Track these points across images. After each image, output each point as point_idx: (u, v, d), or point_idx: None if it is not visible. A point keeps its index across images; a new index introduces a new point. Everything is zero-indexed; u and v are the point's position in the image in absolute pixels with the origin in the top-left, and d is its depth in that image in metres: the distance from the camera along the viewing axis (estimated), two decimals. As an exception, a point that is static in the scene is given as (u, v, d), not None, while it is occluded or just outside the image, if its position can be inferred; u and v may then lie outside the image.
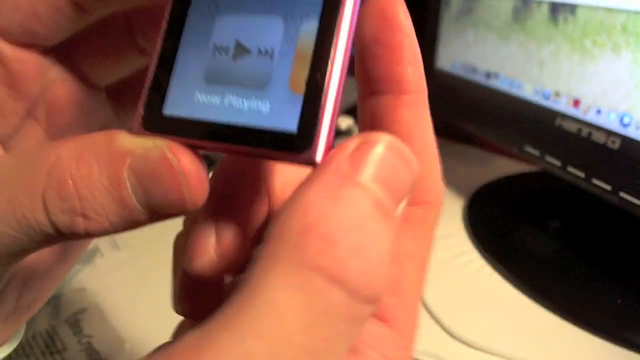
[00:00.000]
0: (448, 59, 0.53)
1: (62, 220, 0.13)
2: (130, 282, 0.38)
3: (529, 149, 0.42)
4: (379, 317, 0.14)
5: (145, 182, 0.12)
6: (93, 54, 0.18)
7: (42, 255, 0.19)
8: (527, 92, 0.43)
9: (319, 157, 0.11)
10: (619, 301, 0.37)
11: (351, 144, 0.11)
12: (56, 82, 0.17)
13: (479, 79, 0.48)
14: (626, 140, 0.34)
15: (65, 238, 0.13)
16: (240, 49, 0.12)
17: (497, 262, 0.42)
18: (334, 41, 0.11)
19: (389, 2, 0.13)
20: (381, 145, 0.11)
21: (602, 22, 0.35)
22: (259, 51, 0.12)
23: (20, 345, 0.33)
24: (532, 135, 0.42)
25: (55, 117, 0.17)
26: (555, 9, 0.39)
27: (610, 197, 0.35)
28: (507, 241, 0.45)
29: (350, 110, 0.58)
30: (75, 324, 0.35)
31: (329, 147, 0.11)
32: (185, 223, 0.18)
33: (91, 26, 0.17)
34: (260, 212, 0.16)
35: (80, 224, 0.13)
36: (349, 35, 0.11)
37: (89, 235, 0.13)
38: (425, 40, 0.56)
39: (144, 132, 0.13)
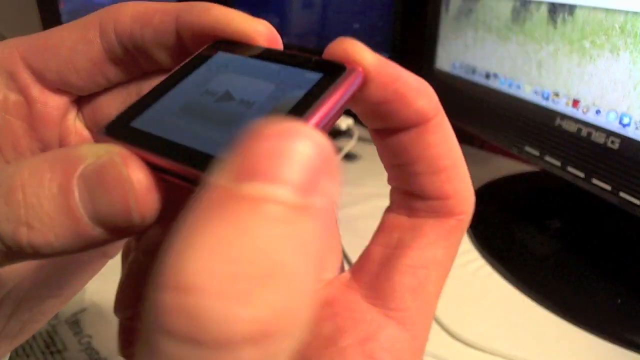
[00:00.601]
0: (448, 59, 0.53)
1: (5, 229, 0.12)
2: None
3: (529, 149, 0.42)
4: (399, 320, 0.14)
5: (93, 189, 0.12)
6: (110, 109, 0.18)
7: (33, 287, 0.19)
8: (527, 92, 0.43)
9: None
10: (619, 301, 0.37)
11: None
12: (73, 131, 0.17)
13: (479, 79, 0.49)
14: (625, 140, 0.34)
15: (13, 254, 0.12)
16: (226, 96, 0.13)
17: (497, 262, 0.42)
18: (313, 105, 0.12)
19: (376, 66, 0.13)
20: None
21: (600, 23, 0.35)
22: (241, 101, 0.13)
23: (20, 345, 0.33)
24: (531, 136, 0.42)
25: None
26: (554, 10, 0.39)
27: (610, 197, 0.35)
28: (507, 241, 0.45)
29: (350, 111, 0.58)
30: (75, 324, 0.35)
31: None
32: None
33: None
34: None
35: (23, 235, 0.12)
36: (330, 105, 0.12)
37: (34, 249, 0.12)
38: (425, 41, 0.57)
39: (105, 136, 0.13)
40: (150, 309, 0.08)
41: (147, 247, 0.15)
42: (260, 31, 0.14)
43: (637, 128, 0.33)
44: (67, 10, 1.11)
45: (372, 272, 0.14)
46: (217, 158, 0.11)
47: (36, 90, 0.16)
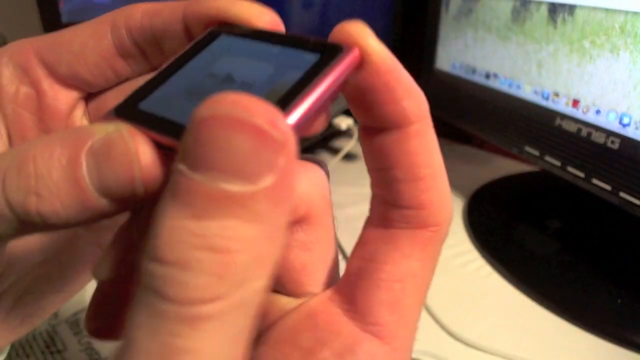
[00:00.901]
0: (447, 59, 0.53)
1: (16, 198, 0.12)
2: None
3: (529, 149, 0.42)
4: (376, 334, 0.13)
5: (100, 161, 0.12)
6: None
7: (35, 282, 0.19)
8: (527, 92, 0.43)
9: None
10: (619, 301, 0.37)
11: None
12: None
13: (479, 79, 0.49)
14: (626, 140, 0.34)
15: (23, 226, 0.13)
16: (228, 79, 0.14)
17: (497, 262, 0.42)
18: (307, 86, 0.12)
19: (374, 52, 0.13)
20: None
21: (600, 23, 0.35)
22: (242, 83, 0.13)
23: (20, 345, 0.33)
24: (531, 136, 0.42)
25: None
26: (554, 10, 0.39)
27: (610, 197, 0.35)
28: (507, 241, 0.45)
29: (348, 111, 0.58)
30: (75, 324, 0.35)
31: None
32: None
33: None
34: None
35: (32, 203, 0.12)
36: (324, 87, 0.12)
37: (42, 218, 0.13)
38: (425, 41, 0.57)
39: (113, 116, 0.14)
40: (145, 274, 0.09)
41: (142, 221, 0.15)
42: (266, 20, 0.15)
43: (637, 128, 0.33)
44: (67, 10, 1.11)
45: (351, 286, 0.14)
46: None
47: (47, 84, 0.17)
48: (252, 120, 0.09)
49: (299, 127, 0.12)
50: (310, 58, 0.13)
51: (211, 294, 0.09)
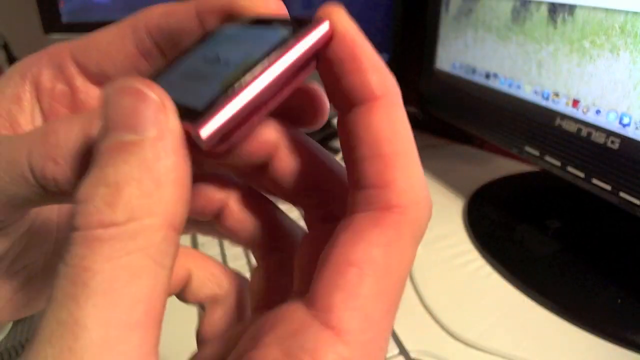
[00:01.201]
0: (448, 59, 0.53)
1: (37, 163, 0.14)
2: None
3: (529, 149, 0.42)
4: (327, 322, 0.12)
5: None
6: None
7: (46, 269, 0.20)
8: (527, 92, 0.43)
9: (203, 133, 0.13)
10: (619, 301, 0.37)
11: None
12: None
13: (479, 79, 0.49)
14: (625, 140, 0.34)
15: (41, 192, 0.15)
16: (215, 59, 0.15)
17: (497, 262, 0.42)
18: (265, 63, 0.13)
19: (341, 25, 0.13)
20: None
21: (600, 23, 0.35)
22: (224, 61, 0.15)
23: (20, 344, 0.33)
24: (531, 136, 0.42)
25: None
26: (554, 10, 0.39)
27: (610, 197, 0.35)
28: (507, 241, 0.45)
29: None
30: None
31: (224, 136, 0.13)
32: None
33: None
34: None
35: (49, 169, 0.14)
36: (289, 58, 0.14)
37: (56, 185, 0.14)
38: (425, 41, 0.57)
39: None
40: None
41: None
42: (272, 7, 0.16)
43: (637, 128, 0.33)
44: (67, 10, 1.11)
45: (307, 272, 0.14)
46: (190, 108, 0.13)
47: (80, 82, 0.18)
48: (133, 85, 0.12)
49: (262, 92, 0.13)
50: (284, 33, 0.14)
51: (105, 220, 0.11)
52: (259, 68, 0.13)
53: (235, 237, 0.18)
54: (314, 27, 0.13)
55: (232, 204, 0.18)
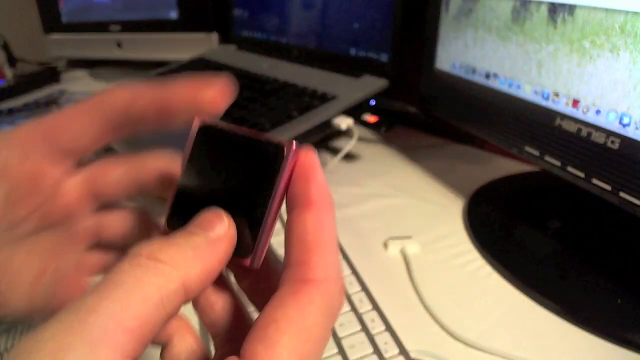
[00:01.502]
0: (447, 59, 0.53)
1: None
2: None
3: (529, 149, 0.42)
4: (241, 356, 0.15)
5: None
6: None
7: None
8: (527, 92, 0.43)
9: (255, 265, 0.18)
10: (619, 301, 0.37)
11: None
12: (72, 187, 0.23)
13: (479, 79, 0.49)
14: (626, 140, 0.34)
15: None
16: (221, 180, 0.19)
17: (497, 262, 0.42)
18: (274, 194, 0.18)
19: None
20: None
21: (600, 23, 0.35)
22: (224, 190, 0.19)
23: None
24: (531, 136, 0.42)
25: None
26: (554, 10, 0.39)
27: (610, 197, 0.35)
28: (507, 241, 0.45)
29: (348, 111, 0.58)
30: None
31: (262, 255, 0.18)
32: None
33: None
34: None
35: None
36: (282, 189, 0.18)
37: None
38: (425, 41, 0.57)
39: (167, 230, 0.20)
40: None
41: None
42: (214, 95, 0.20)
43: (637, 128, 0.33)
44: (67, 10, 1.11)
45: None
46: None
47: (48, 161, 0.21)
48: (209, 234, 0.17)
49: (276, 216, 0.18)
50: (269, 158, 0.18)
51: (151, 255, 0.15)
52: (271, 199, 0.17)
53: (202, 316, 0.20)
54: (289, 151, 0.17)
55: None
